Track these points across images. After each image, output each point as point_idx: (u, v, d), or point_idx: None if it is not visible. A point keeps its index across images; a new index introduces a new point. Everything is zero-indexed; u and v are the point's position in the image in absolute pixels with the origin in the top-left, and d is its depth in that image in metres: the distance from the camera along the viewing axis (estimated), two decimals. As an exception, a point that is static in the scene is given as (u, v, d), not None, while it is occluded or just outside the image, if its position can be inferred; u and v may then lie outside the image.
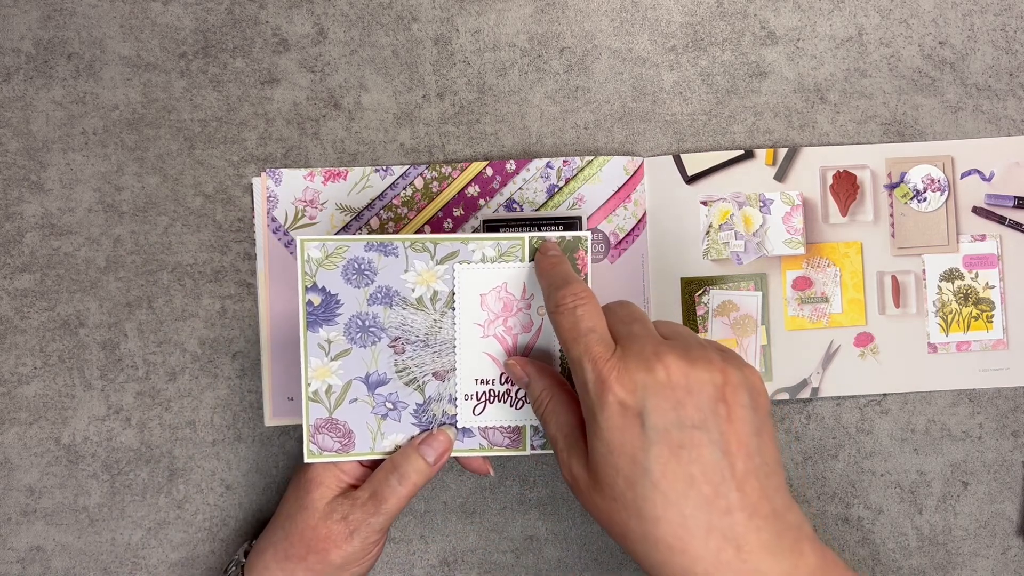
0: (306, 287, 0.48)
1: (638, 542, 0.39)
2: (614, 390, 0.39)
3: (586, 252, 0.49)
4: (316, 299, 0.48)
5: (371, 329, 0.48)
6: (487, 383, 0.48)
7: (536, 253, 0.48)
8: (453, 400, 0.48)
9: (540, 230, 0.55)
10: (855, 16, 0.57)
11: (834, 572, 0.39)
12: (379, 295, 0.48)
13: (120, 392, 0.55)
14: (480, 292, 0.48)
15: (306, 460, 0.48)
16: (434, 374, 0.48)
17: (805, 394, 0.56)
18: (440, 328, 0.48)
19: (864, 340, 0.57)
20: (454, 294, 0.48)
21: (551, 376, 0.46)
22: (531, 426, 0.49)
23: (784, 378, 0.56)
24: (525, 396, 0.49)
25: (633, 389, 0.39)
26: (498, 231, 0.55)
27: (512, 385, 0.49)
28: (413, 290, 0.48)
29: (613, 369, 0.40)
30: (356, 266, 0.48)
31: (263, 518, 0.56)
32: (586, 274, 0.49)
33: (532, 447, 0.49)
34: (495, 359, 0.49)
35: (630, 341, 0.41)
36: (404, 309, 0.48)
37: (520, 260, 0.48)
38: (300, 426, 0.55)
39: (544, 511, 0.56)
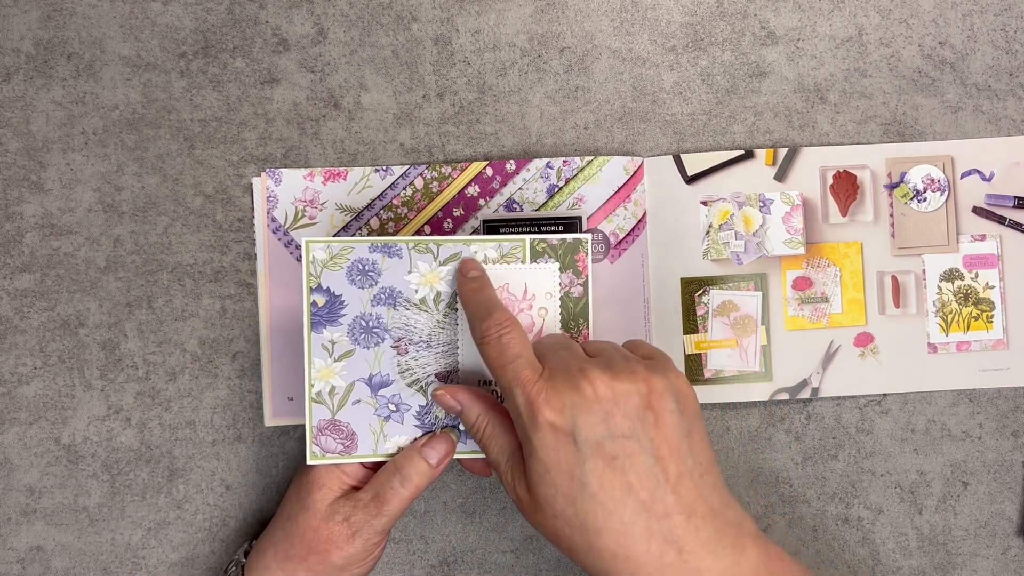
0: (311, 288, 0.48)
1: (585, 554, 0.40)
2: (543, 412, 0.40)
3: (586, 254, 0.49)
4: (320, 300, 0.48)
5: (375, 330, 0.48)
6: (489, 384, 0.49)
7: (456, 274, 0.48)
8: None
9: (540, 231, 0.55)
10: (855, 16, 0.57)
11: (778, 565, 0.40)
12: (383, 296, 0.48)
13: (120, 392, 0.55)
14: None
15: (309, 462, 0.48)
16: (437, 375, 0.48)
17: (805, 394, 0.56)
18: (443, 329, 0.48)
19: (864, 340, 0.57)
20: (456, 295, 0.48)
21: (485, 400, 0.46)
22: None
23: (784, 378, 0.56)
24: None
25: (561, 408, 0.40)
26: (498, 231, 0.55)
27: None
28: (416, 291, 0.48)
29: (541, 391, 0.41)
30: (360, 267, 0.48)
31: (263, 518, 0.56)
32: (587, 276, 0.49)
33: None
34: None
35: (556, 362, 0.42)
36: (407, 310, 0.48)
37: (521, 261, 0.49)
38: (300, 426, 0.55)
39: (544, 511, 0.56)
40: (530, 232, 0.55)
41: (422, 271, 0.48)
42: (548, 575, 0.56)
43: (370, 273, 0.48)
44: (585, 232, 0.55)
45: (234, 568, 0.50)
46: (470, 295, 0.46)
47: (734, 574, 0.39)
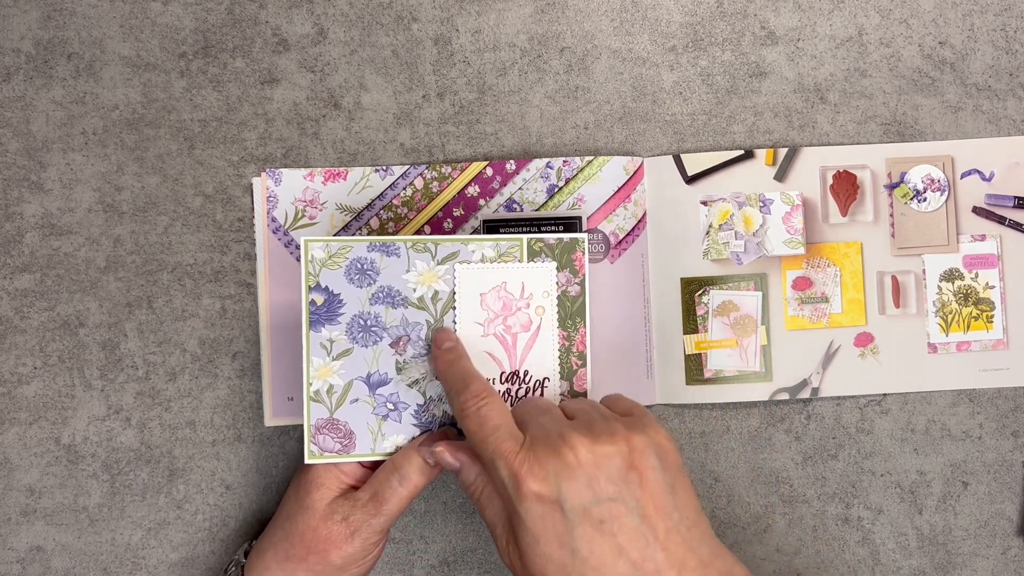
0: (309, 287, 0.48)
1: None
2: (528, 483, 0.40)
3: (583, 254, 0.49)
4: (319, 299, 0.48)
5: (373, 329, 0.48)
6: (487, 382, 0.49)
7: (431, 346, 0.48)
8: None
9: (540, 231, 0.55)
10: (855, 16, 0.57)
11: None
12: (381, 295, 0.48)
13: (120, 392, 0.55)
14: (480, 292, 0.49)
15: (307, 461, 0.48)
16: (435, 374, 0.48)
17: (805, 394, 0.56)
18: (441, 327, 0.49)
19: (864, 340, 0.57)
20: (455, 294, 0.48)
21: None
22: None
23: (784, 378, 0.56)
24: (526, 396, 0.49)
25: (545, 478, 0.40)
26: (498, 231, 0.55)
27: (512, 384, 0.49)
28: (414, 290, 0.48)
29: (524, 462, 0.41)
30: (359, 266, 0.48)
31: (263, 518, 0.56)
32: (584, 275, 0.49)
33: None
34: (495, 358, 0.49)
35: (536, 430, 0.42)
36: (405, 309, 0.48)
37: (519, 260, 0.49)
38: (300, 426, 0.55)
39: (544, 511, 0.56)
40: (530, 232, 0.55)
41: (420, 270, 0.48)
42: (548, 575, 0.56)
43: (368, 272, 0.48)
44: (585, 232, 0.55)
45: (234, 568, 0.50)
46: (446, 367, 0.47)
47: None
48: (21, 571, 0.55)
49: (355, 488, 0.49)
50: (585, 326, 0.49)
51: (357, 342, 0.48)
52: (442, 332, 0.48)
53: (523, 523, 0.40)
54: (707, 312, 0.56)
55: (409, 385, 0.48)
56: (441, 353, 0.47)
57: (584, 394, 0.49)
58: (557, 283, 0.49)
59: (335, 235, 0.55)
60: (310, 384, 0.48)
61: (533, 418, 0.43)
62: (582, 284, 0.49)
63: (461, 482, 0.46)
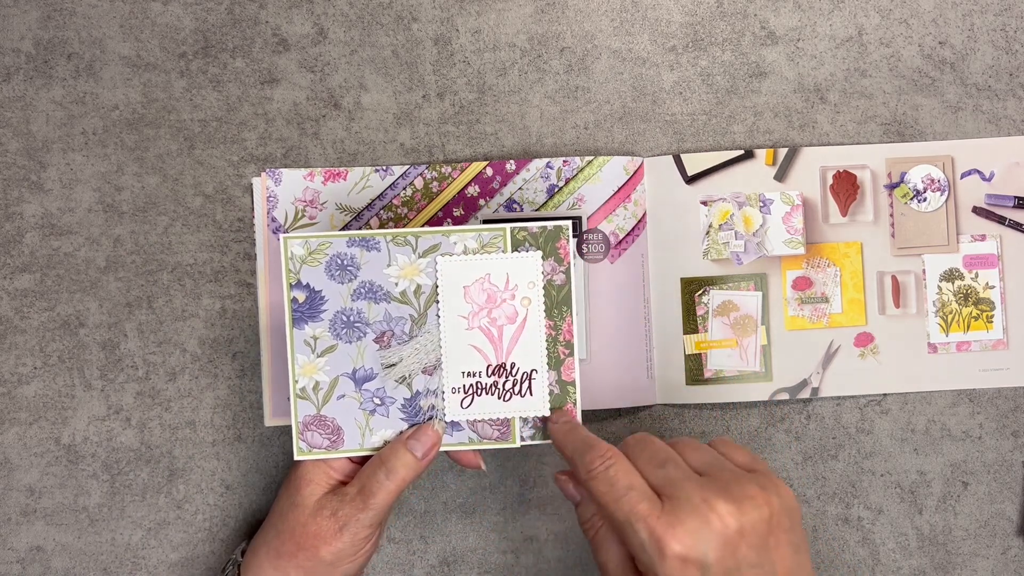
0: (290, 284, 0.48)
1: None
2: (672, 547, 0.40)
3: (568, 241, 0.48)
4: (300, 296, 0.48)
5: (356, 325, 0.48)
6: (474, 375, 0.48)
7: (547, 423, 0.48)
8: (441, 394, 0.48)
9: (530, 222, 0.55)
10: (855, 16, 0.57)
11: None
12: (363, 290, 0.48)
13: (120, 392, 0.55)
14: (463, 284, 0.48)
15: (296, 458, 0.48)
16: (421, 368, 0.48)
17: (805, 394, 0.56)
18: (425, 321, 0.48)
19: (864, 340, 0.57)
20: (437, 287, 0.48)
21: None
22: (520, 418, 0.49)
23: (784, 378, 0.56)
24: (514, 388, 0.49)
25: (692, 544, 0.40)
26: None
27: (499, 377, 0.49)
28: (396, 284, 0.48)
29: (668, 526, 0.40)
30: (339, 262, 0.48)
31: (263, 518, 0.56)
32: (569, 263, 0.49)
33: (522, 439, 0.49)
34: (481, 351, 0.48)
35: (673, 490, 0.42)
36: (388, 304, 0.48)
37: (502, 251, 0.48)
38: (300, 426, 0.56)
39: (544, 511, 0.56)
40: (511, 223, 0.55)
41: (401, 264, 0.48)
42: (548, 575, 0.56)
43: (349, 268, 0.48)
44: (585, 231, 0.55)
45: (231, 567, 0.50)
46: (565, 436, 0.47)
47: None
48: (21, 571, 0.55)
49: (345, 484, 0.49)
50: (572, 315, 0.49)
51: (341, 338, 0.48)
52: (557, 412, 0.49)
53: None
54: (707, 312, 0.56)
55: (396, 380, 0.48)
56: (558, 426, 0.48)
57: (572, 383, 0.49)
58: (542, 273, 0.48)
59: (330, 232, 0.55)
60: (296, 382, 0.48)
61: (661, 470, 0.43)
62: (567, 273, 0.49)
63: (579, 515, 0.46)
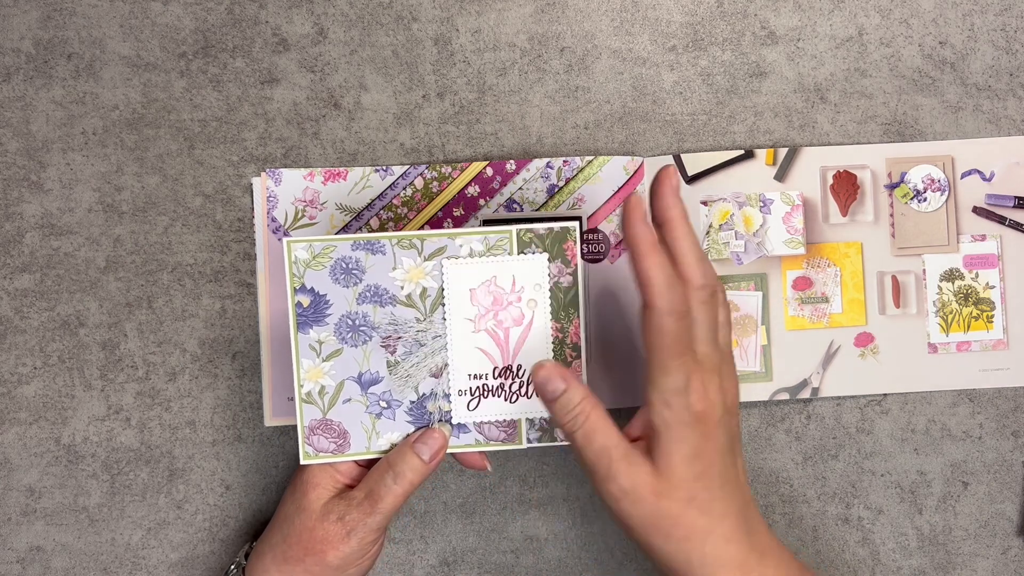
0: (294, 288, 0.48)
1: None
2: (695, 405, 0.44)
3: (575, 243, 0.48)
4: (305, 300, 0.48)
5: (361, 328, 0.48)
6: (480, 378, 0.48)
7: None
8: (447, 396, 0.48)
9: (531, 222, 0.55)
10: (855, 16, 0.57)
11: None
12: (368, 294, 0.48)
13: (120, 392, 0.55)
14: (469, 287, 0.48)
15: (302, 462, 0.48)
16: (428, 372, 0.48)
17: (805, 394, 0.56)
18: (431, 324, 0.48)
19: (864, 340, 0.57)
20: (443, 290, 0.48)
21: (586, 386, 0.45)
22: (527, 420, 0.49)
23: (784, 378, 0.56)
24: (520, 390, 0.48)
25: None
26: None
27: (506, 379, 0.48)
28: (402, 287, 0.48)
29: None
30: (344, 266, 0.48)
31: (263, 518, 0.56)
32: (576, 265, 0.48)
33: (528, 441, 0.49)
34: (487, 353, 0.48)
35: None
36: (394, 307, 0.48)
37: (508, 253, 0.48)
38: (300, 426, 0.56)
39: (544, 511, 0.56)
40: (518, 225, 0.55)
41: (406, 267, 0.48)
42: (548, 575, 0.56)
43: (354, 271, 0.48)
44: (585, 232, 0.55)
45: (235, 570, 0.50)
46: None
47: None
48: (21, 571, 0.55)
49: (351, 488, 0.49)
50: (579, 317, 0.49)
51: (346, 342, 0.48)
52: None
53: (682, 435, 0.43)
54: (707, 312, 0.56)
55: (402, 383, 0.48)
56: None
57: None
58: (549, 274, 0.48)
59: (322, 235, 0.55)
60: (301, 386, 0.48)
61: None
62: (574, 274, 0.48)
63: (562, 403, 0.44)
